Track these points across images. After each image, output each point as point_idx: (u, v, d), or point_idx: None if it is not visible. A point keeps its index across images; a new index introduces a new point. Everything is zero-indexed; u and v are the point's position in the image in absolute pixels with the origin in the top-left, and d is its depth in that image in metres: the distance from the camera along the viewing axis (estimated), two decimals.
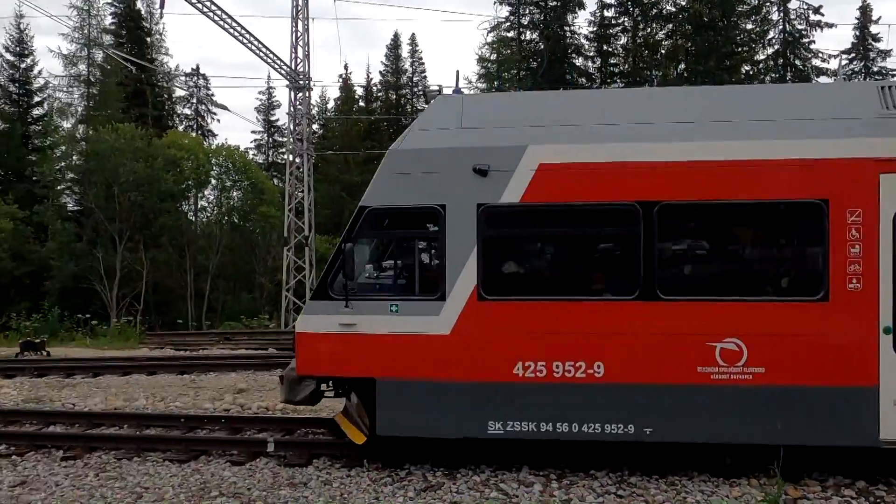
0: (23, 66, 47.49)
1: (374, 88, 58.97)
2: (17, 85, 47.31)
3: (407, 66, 58.75)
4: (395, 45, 58.86)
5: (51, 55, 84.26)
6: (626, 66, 42.27)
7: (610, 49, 42.21)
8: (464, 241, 7.12)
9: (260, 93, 60.64)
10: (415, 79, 58.22)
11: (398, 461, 7.68)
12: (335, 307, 7.37)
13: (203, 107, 55.97)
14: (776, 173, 6.85)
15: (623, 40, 42.22)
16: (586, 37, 41.56)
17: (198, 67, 64.80)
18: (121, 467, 7.99)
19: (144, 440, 8.93)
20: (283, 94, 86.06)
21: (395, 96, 58.24)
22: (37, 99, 47.37)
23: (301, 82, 29.07)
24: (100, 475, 7.71)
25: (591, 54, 42.22)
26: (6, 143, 42.06)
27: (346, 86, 58.05)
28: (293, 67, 28.86)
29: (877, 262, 6.68)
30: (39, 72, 48.04)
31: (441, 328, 7.14)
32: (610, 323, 6.99)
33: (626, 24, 41.53)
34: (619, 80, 41.49)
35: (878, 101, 7.02)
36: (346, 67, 73.45)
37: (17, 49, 47.48)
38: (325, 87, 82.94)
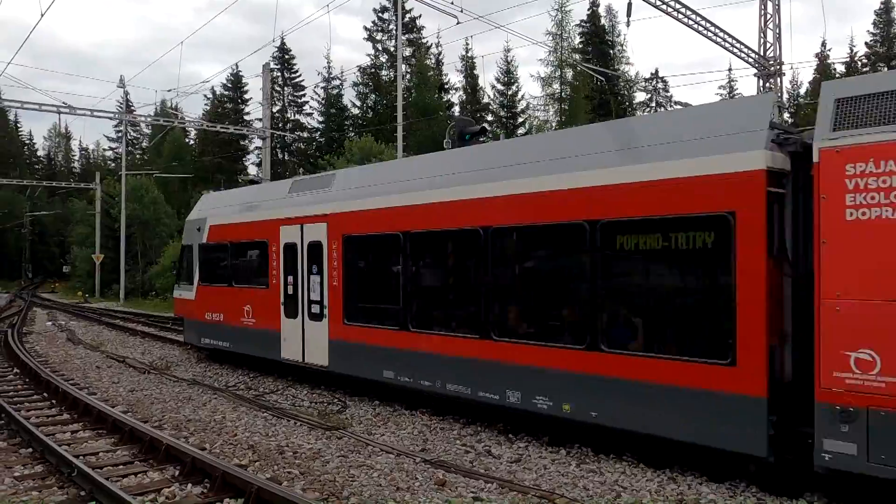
0: (509, 92, 57.57)
1: (859, 63, 54.60)
2: (505, 109, 57.44)
3: None
4: (885, 8, 53.58)
5: (531, 80, 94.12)
6: None
7: None
8: (198, 258, 16.37)
9: (720, 87, 61.39)
10: None
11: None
12: (178, 287, 17.61)
13: (663, 109, 58.27)
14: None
15: None
16: None
17: (656, 71, 68.10)
18: (599, 461, 8.01)
19: None
20: (746, 85, 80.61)
21: (885, 68, 52.05)
22: (520, 119, 56.48)
23: (772, 68, 26.86)
24: (580, 466, 7.81)
25: None
26: None
27: (823, 64, 53.82)
28: (762, 53, 26.69)
29: (279, 268, 13.46)
30: (522, 96, 57.79)
31: (192, 297, 16.60)
32: (248, 299, 15.18)
33: None
34: None
35: (288, 188, 13.62)
36: (823, 45, 66.32)
37: (505, 79, 58.18)
38: (798, 70, 77.29)
